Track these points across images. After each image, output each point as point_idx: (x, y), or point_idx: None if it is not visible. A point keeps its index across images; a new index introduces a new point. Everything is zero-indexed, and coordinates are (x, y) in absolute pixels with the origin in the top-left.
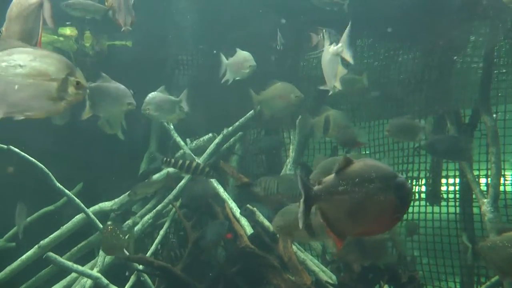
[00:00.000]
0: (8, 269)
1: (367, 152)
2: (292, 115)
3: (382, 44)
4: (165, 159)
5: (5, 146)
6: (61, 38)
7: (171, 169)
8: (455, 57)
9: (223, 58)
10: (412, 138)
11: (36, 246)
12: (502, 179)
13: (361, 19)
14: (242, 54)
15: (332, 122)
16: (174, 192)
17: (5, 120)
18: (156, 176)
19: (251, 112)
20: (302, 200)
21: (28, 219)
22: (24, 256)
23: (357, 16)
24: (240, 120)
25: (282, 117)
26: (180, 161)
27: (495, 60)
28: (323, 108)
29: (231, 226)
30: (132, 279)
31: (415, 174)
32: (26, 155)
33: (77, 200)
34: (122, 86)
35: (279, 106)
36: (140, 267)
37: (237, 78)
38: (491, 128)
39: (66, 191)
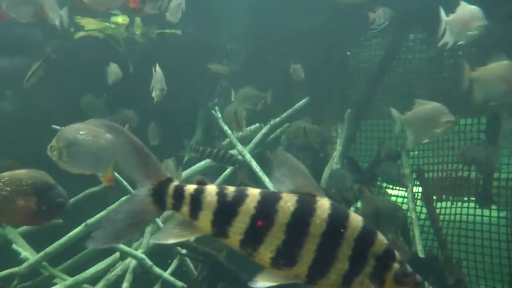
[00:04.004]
0: (56, 243)
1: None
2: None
3: (432, 39)
4: (194, 146)
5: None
6: (112, 25)
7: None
8: None
9: (443, 14)
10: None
11: (83, 224)
12: None
13: (413, 13)
14: (468, 10)
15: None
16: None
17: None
18: (200, 165)
19: (299, 103)
20: None
21: (74, 199)
22: (71, 233)
23: (410, 11)
24: (288, 111)
25: (499, 104)
26: (208, 149)
27: None
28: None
29: None
30: (175, 262)
31: (465, 174)
32: None
33: (124, 182)
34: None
35: (499, 91)
36: (184, 251)
37: (460, 43)
38: None
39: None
